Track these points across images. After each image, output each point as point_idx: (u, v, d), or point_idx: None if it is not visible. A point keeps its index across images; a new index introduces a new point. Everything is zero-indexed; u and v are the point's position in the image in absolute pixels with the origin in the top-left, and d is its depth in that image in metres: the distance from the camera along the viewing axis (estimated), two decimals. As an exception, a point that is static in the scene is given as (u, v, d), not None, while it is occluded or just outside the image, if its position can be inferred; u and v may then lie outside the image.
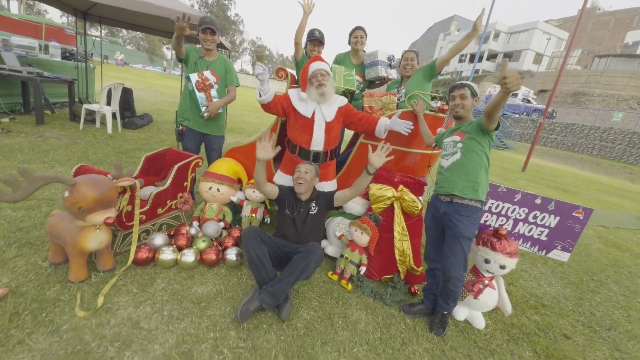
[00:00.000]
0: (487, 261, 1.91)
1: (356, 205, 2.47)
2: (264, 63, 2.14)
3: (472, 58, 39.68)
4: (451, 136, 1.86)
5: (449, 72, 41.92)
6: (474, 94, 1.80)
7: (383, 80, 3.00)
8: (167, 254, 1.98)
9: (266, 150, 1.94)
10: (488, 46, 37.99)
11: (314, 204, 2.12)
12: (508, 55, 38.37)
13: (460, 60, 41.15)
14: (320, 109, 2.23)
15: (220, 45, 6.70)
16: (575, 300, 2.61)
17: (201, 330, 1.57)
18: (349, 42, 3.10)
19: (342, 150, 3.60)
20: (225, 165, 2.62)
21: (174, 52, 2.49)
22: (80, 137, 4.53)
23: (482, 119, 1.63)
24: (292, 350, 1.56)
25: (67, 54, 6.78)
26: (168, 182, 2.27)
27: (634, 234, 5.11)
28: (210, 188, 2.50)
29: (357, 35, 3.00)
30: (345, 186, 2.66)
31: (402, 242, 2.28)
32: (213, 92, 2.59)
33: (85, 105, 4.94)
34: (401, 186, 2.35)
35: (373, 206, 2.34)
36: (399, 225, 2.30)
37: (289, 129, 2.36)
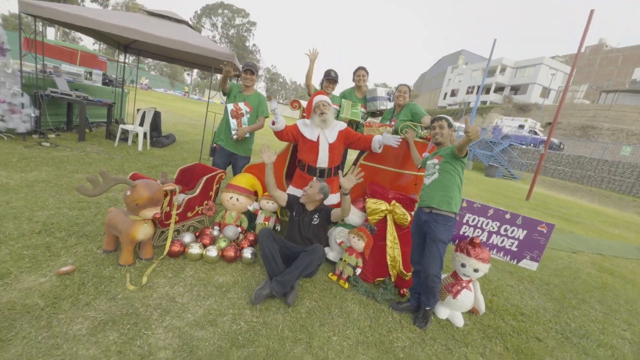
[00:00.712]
0: (463, 265, 2.24)
1: (354, 217, 2.86)
2: (274, 100, 2.70)
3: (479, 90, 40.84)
4: (432, 159, 2.28)
5: (457, 102, 42.99)
6: (450, 125, 2.24)
7: (382, 112, 3.50)
8: (195, 249, 2.39)
9: (269, 155, 2.50)
10: (495, 79, 39.13)
11: (316, 216, 2.52)
12: (515, 89, 39.34)
13: (468, 92, 42.26)
14: (324, 133, 2.71)
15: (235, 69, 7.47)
16: (554, 313, 2.85)
17: (223, 307, 1.94)
18: (353, 80, 3.65)
19: (345, 170, 4.06)
20: (244, 179, 3.08)
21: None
22: (115, 153, 5.13)
23: (454, 149, 2.05)
24: (296, 327, 1.91)
25: (107, 81, 7.64)
26: (197, 191, 2.73)
27: (629, 263, 5.25)
28: (231, 197, 2.94)
29: (359, 74, 3.56)
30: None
31: (393, 250, 2.64)
32: (244, 120, 3.14)
33: (121, 125, 5.60)
34: (394, 201, 2.75)
35: (369, 217, 2.73)
36: (391, 234, 2.67)
37: (299, 152, 2.83)
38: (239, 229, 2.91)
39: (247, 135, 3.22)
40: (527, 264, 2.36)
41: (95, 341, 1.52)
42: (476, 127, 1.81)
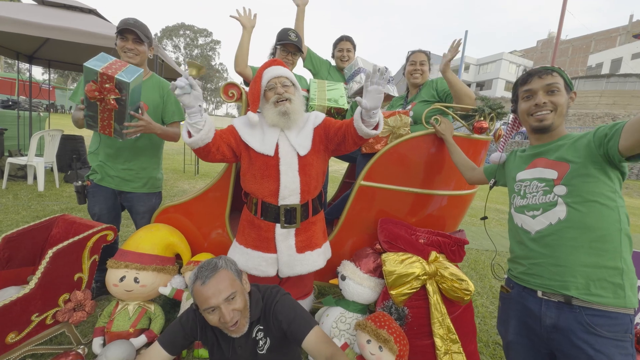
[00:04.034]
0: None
1: (363, 290, 1.51)
2: (195, 77, 1.29)
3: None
4: (533, 167, 1.01)
5: (428, 103, 43.56)
6: (569, 86, 0.98)
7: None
8: None
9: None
10: (460, 78, 40.07)
11: (261, 335, 1.11)
12: (480, 85, 40.39)
13: (437, 92, 43.00)
14: (287, 139, 1.36)
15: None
16: None
17: None
18: (333, 56, 2.38)
19: (330, 193, 2.72)
20: (150, 237, 1.66)
21: None
22: (-4, 199, 3.51)
23: (617, 135, 0.79)
24: None
25: (10, 103, 5.95)
26: (34, 282, 1.28)
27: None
28: (122, 279, 1.51)
29: (342, 47, 2.30)
30: (343, 252, 1.74)
31: (451, 356, 1.31)
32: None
33: (10, 159, 3.98)
34: (434, 253, 1.44)
35: (392, 292, 1.39)
36: (441, 323, 1.35)
37: (243, 178, 1.46)
38: (143, 340, 1.48)
39: (142, 158, 1.78)
40: None
41: None
42: None
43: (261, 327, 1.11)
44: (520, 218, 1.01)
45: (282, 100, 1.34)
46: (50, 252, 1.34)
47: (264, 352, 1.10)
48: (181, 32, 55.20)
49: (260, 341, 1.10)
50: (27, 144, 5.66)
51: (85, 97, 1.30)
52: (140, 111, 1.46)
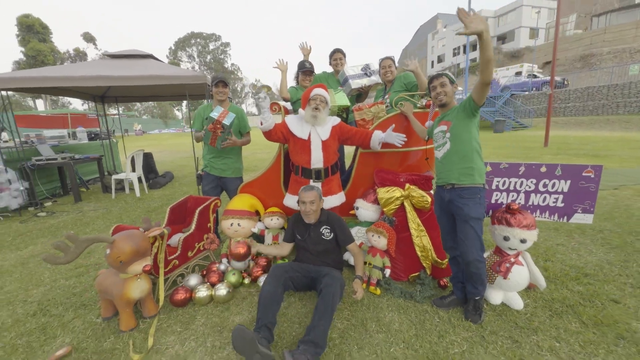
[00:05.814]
0: (506, 238, 1.91)
1: (369, 213, 2.55)
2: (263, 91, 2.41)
3: (466, 49, 39.74)
4: (439, 126, 1.95)
5: (446, 67, 41.97)
6: (452, 81, 1.90)
7: (362, 89, 3.17)
8: (202, 292, 2.14)
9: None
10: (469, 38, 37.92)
11: (327, 230, 2.21)
12: (501, 38, 38.08)
13: (455, 54, 41.23)
14: (315, 130, 2.41)
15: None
16: (620, 264, 2.47)
17: (243, 354, 1.67)
18: (330, 64, 3.37)
19: (348, 164, 3.75)
20: (241, 201, 2.82)
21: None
22: (114, 205, 4.97)
23: (472, 95, 1.70)
24: (330, 358, 1.62)
25: (93, 135, 7.56)
26: (192, 227, 2.47)
27: (680, 185, 4.74)
28: (231, 224, 2.68)
29: (336, 57, 3.30)
30: (356, 197, 2.77)
31: (420, 238, 2.32)
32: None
33: (114, 176, 5.45)
34: (407, 184, 2.43)
35: (384, 209, 2.42)
36: (414, 222, 2.35)
37: (290, 153, 2.54)
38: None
39: (231, 158, 2.95)
40: (581, 218, 2.01)
41: None
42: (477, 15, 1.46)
43: (327, 227, 2.22)
44: (436, 153, 1.97)
45: (315, 109, 2.38)
46: (197, 211, 2.52)
47: (328, 238, 2.20)
48: (192, 41, 57.35)
49: (327, 233, 2.20)
50: (109, 164, 7.27)
51: (206, 129, 2.48)
52: (231, 135, 2.60)
